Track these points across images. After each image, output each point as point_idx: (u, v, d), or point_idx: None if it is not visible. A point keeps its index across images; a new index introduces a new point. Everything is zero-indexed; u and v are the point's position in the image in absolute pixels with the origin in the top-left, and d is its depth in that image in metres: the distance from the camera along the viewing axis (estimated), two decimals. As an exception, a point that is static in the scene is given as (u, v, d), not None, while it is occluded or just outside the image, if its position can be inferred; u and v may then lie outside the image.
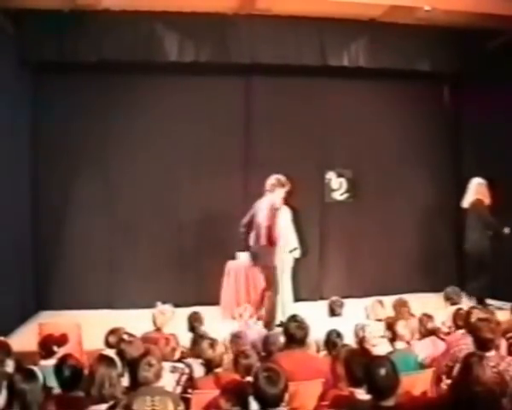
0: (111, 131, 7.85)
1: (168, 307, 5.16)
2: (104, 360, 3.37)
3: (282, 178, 6.36)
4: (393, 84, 8.38)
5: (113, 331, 4.33)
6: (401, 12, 6.99)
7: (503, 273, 7.73)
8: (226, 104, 8.14)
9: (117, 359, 3.52)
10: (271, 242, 6.10)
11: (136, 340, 4.13)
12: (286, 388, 2.91)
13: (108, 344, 4.24)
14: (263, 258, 6.19)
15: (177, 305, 6.11)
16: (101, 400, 3.13)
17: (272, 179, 6.33)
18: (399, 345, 4.15)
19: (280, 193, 6.32)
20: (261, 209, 6.21)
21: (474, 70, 7.79)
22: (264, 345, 4.23)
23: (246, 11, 6.95)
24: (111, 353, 3.78)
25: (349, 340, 4.42)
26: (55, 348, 4.19)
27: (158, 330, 4.90)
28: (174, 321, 5.16)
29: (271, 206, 6.19)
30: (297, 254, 7.16)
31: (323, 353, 4.35)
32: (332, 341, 4.24)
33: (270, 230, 6.09)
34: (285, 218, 6.84)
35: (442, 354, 4.17)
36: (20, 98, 7.19)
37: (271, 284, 6.17)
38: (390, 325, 4.25)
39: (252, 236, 6.25)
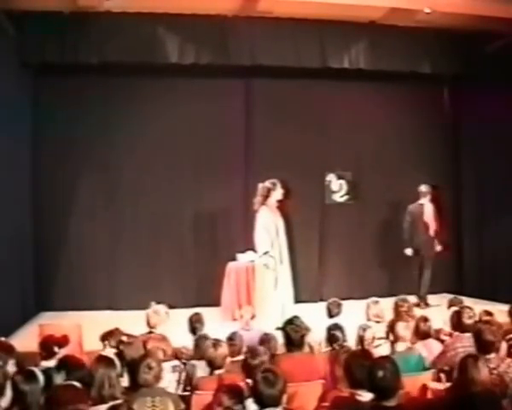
0: (112, 133, 7.86)
1: (162, 308, 5.13)
2: (103, 360, 3.38)
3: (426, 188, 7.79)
4: (393, 86, 8.40)
5: (108, 334, 4.31)
6: (401, 14, 7.01)
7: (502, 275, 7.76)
8: (227, 106, 8.16)
9: (116, 359, 3.52)
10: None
11: (136, 341, 4.14)
12: (284, 389, 2.91)
13: (104, 345, 4.23)
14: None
15: (177, 306, 6.13)
16: (101, 400, 3.12)
17: (424, 187, 7.79)
18: (401, 346, 4.14)
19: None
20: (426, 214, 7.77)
21: (474, 72, 7.81)
22: (261, 345, 4.23)
23: (246, 13, 6.97)
24: (110, 353, 3.79)
25: (349, 341, 4.42)
26: (56, 349, 4.19)
27: (151, 331, 4.86)
28: (173, 322, 5.15)
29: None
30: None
31: (325, 350, 4.34)
32: (333, 335, 4.24)
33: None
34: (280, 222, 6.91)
35: (438, 357, 4.18)
36: (21, 99, 7.21)
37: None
38: (391, 327, 4.25)
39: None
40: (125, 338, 4.15)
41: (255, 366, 3.49)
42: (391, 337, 4.24)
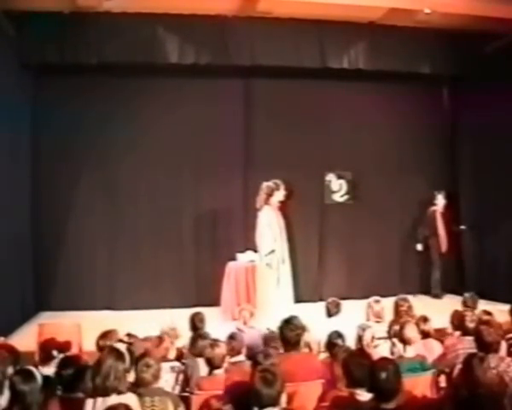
0: (112, 132, 7.86)
1: (177, 331, 4.98)
2: (113, 352, 3.33)
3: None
4: (393, 86, 8.41)
5: (104, 335, 4.24)
6: (400, 15, 7.01)
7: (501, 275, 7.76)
8: (226, 106, 8.16)
9: (127, 354, 3.49)
10: None
11: (137, 341, 4.13)
12: (282, 388, 2.90)
13: (99, 348, 4.15)
14: None
15: (177, 306, 6.13)
16: (104, 391, 3.08)
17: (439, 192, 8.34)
18: (410, 350, 4.12)
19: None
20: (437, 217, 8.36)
21: (473, 72, 7.81)
22: (264, 344, 4.24)
23: (246, 13, 6.97)
24: (122, 347, 3.76)
25: (349, 341, 4.42)
26: (55, 353, 4.15)
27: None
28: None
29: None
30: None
31: (324, 355, 4.34)
32: (333, 342, 4.23)
33: None
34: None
35: (438, 358, 4.17)
36: (21, 100, 7.21)
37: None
38: (400, 330, 4.22)
39: None
40: (125, 338, 4.14)
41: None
42: (399, 342, 4.19)
